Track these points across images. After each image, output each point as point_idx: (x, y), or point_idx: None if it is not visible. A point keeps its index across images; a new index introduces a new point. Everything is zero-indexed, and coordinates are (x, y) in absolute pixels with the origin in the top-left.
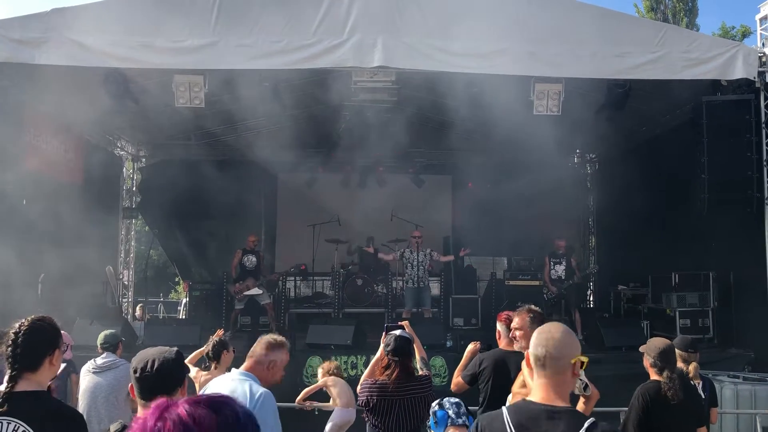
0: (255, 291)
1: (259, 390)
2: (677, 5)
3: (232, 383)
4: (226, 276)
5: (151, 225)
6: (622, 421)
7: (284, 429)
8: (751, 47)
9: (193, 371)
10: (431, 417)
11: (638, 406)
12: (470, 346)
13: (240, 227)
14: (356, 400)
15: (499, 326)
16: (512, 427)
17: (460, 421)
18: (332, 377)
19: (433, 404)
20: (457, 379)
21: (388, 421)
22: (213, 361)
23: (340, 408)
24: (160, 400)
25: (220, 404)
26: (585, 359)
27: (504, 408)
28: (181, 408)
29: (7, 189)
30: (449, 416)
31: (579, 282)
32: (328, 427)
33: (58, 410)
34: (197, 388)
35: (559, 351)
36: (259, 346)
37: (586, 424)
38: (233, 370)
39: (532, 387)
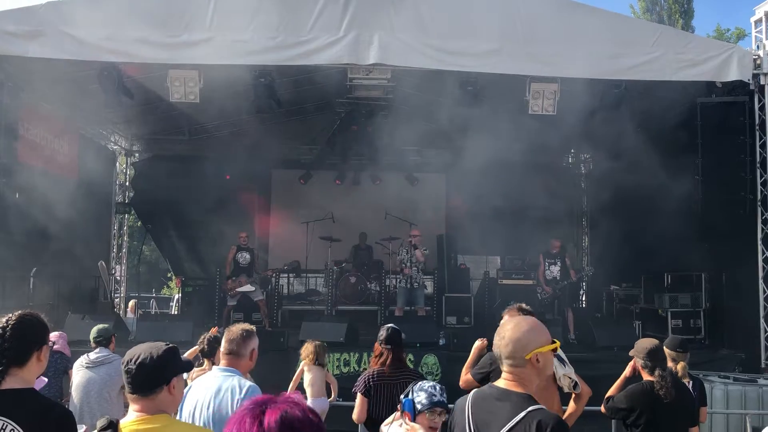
0: (248, 288)
1: (247, 384)
2: (673, 7)
3: (216, 380)
4: (219, 272)
5: (144, 220)
6: (614, 421)
7: None
8: (745, 49)
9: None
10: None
11: (631, 406)
12: (477, 343)
13: (233, 223)
14: (333, 392)
15: None
16: (470, 406)
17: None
18: (310, 365)
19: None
20: (466, 376)
21: (386, 404)
22: (208, 357)
23: (310, 398)
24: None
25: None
26: (551, 346)
27: (473, 390)
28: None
29: (0, 182)
30: (414, 404)
31: (574, 281)
32: None
33: (48, 408)
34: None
35: (511, 351)
36: (232, 342)
37: (528, 408)
38: (214, 368)
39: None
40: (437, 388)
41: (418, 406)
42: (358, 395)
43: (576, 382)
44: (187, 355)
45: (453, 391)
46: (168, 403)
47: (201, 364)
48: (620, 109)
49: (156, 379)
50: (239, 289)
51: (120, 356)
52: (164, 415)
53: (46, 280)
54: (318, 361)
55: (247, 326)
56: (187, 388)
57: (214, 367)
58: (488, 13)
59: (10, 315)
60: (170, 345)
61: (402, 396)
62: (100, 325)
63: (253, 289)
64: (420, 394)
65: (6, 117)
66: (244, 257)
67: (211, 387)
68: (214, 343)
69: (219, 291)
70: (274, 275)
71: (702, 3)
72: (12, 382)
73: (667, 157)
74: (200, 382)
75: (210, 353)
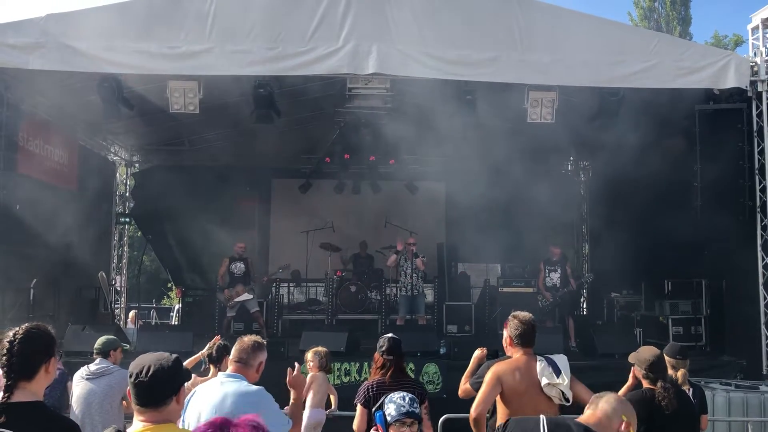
0: (245, 297)
1: (255, 387)
2: (671, 14)
3: (222, 386)
4: (218, 284)
5: (144, 231)
6: None
7: None
8: (743, 56)
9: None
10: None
11: (641, 416)
12: (477, 352)
13: (233, 233)
14: (333, 403)
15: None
16: (546, 426)
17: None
18: (317, 374)
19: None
20: (465, 386)
21: None
22: (215, 364)
23: (310, 408)
24: (214, 418)
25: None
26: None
27: (542, 416)
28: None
29: (0, 194)
30: (385, 416)
31: (574, 290)
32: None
33: (54, 421)
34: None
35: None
36: (243, 351)
37: None
38: (219, 374)
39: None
40: (407, 398)
41: (388, 418)
42: (358, 406)
43: (564, 394)
44: (188, 362)
45: (454, 400)
46: (175, 412)
47: (206, 371)
48: (618, 117)
49: (167, 391)
50: (237, 299)
51: (120, 367)
52: (170, 424)
53: (46, 292)
54: (328, 366)
55: (258, 339)
56: (190, 394)
57: (220, 373)
58: (486, 22)
59: (17, 328)
60: (175, 355)
61: (374, 409)
62: (104, 337)
63: (251, 297)
64: (390, 406)
65: (5, 128)
66: (238, 267)
67: (218, 392)
68: (223, 350)
69: (219, 301)
70: (270, 280)
71: (700, 10)
72: (20, 396)
73: (665, 164)
74: (205, 388)
75: (218, 359)
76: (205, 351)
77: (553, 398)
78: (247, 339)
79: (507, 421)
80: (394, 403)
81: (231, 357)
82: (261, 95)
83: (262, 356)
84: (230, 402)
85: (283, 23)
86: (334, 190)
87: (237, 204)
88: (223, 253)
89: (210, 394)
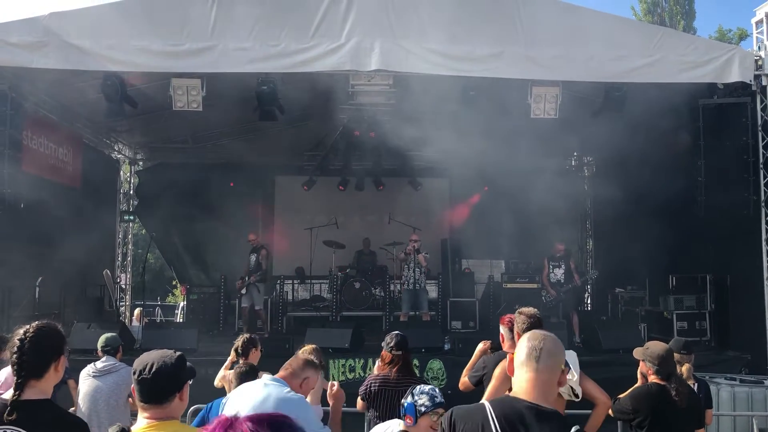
0: (243, 291)
1: (297, 395)
2: (674, 8)
3: (265, 387)
4: (224, 279)
5: (149, 228)
6: (620, 423)
7: None
8: (747, 50)
9: (229, 374)
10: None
11: (635, 408)
12: (480, 346)
13: (237, 230)
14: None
15: (502, 329)
16: (495, 420)
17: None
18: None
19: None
20: (464, 379)
21: (387, 410)
22: (242, 357)
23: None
24: (222, 417)
25: (281, 424)
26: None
27: (485, 401)
28: (245, 426)
29: (5, 193)
30: (416, 407)
31: (578, 285)
32: None
33: (62, 418)
34: (227, 389)
35: (556, 347)
36: (296, 362)
37: (573, 430)
38: (265, 375)
39: (515, 384)
40: (437, 390)
41: (422, 408)
42: (358, 398)
43: (573, 389)
44: (226, 364)
45: (459, 396)
46: (178, 409)
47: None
48: (622, 112)
49: (170, 388)
50: (242, 291)
51: (126, 365)
52: (174, 421)
53: (51, 290)
54: (321, 363)
55: (317, 360)
56: (229, 394)
57: (264, 375)
58: (489, 17)
59: (28, 327)
60: (179, 353)
61: (403, 400)
62: (108, 334)
63: (243, 292)
64: (422, 396)
65: (9, 127)
66: (251, 259)
67: (260, 393)
68: (249, 343)
69: (224, 298)
70: (278, 280)
71: (703, 4)
72: (30, 393)
73: (669, 159)
74: (247, 388)
75: (245, 353)
76: (233, 355)
77: (562, 394)
78: (306, 356)
79: (451, 413)
80: (426, 395)
81: (284, 366)
82: (264, 92)
83: (310, 372)
84: (271, 404)
85: (286, 20)
86: (338, 187)
87: (241, 201)
88: (226, 250)
89: (252, 394)
